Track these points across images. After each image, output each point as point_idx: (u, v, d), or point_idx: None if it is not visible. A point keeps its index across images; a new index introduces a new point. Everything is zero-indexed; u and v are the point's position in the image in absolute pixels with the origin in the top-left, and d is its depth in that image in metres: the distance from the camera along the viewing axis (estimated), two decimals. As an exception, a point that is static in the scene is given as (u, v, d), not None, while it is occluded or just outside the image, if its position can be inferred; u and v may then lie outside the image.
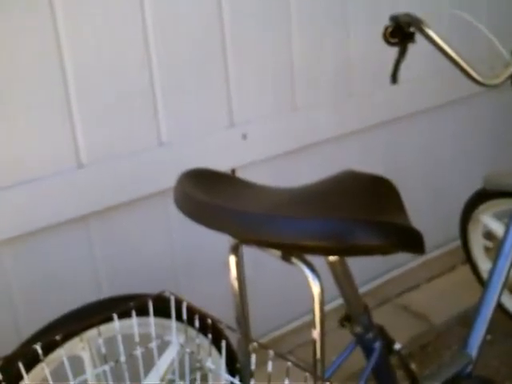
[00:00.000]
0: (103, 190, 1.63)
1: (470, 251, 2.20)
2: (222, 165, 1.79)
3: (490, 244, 2.17)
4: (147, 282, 1.74)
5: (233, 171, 1.86)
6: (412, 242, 1.01)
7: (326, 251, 0.99)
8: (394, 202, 1.09)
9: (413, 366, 2.07)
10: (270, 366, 1.09)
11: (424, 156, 2.48)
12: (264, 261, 1.94)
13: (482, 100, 2.57)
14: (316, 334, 1.02)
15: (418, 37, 1.43)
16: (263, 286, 2.09)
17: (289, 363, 1.06)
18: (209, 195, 1.05)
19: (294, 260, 1.02)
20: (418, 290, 2.46)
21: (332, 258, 1.14)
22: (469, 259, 2.22)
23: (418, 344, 2.19)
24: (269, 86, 1.93)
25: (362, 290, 2.39)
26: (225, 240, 1.10)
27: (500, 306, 2.12)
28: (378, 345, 1.30)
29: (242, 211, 0.98)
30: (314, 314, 1.02)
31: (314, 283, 1.00)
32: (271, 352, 1.09)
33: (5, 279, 1.57)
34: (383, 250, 0.98)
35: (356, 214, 1.00)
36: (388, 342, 1.40)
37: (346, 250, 0.98)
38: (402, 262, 2.54)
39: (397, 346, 1.41)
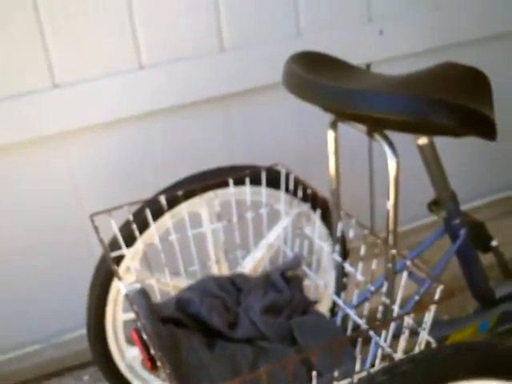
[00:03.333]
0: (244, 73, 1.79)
1: None
2: (357, 59, 1.85)
3: None
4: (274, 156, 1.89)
5: (368, 66, 1.92)
6: (484, 128, 1.05)
7: (403, 126, 1.07)
8: (483, 93, 1.13)
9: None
10: (351, 232, 1.22)
11: None
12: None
13: None
14: (390, 205, 1.11)
15: None
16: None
17: (365, 231, 1.18)
18: (306, 72, 1.16)
19: (376, 136, 1.10)
20: None
21: (421, 141, 1.20)
22: None
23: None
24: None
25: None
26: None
27: None
28: (462, 232, 1.36)
29: (334, 86, 1.08)
30: (389, 187, 1.11)
31: (391, 158, 1.08)
32: (354, 219, 1.21)
33: (153, 146, 1.80)
34: (456, 132, 1.04)
35: (440, 95, 1.05)
36: (486, 239, 1.45)
37: (423, 127, 1.05)
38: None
39: (493, 243, 1.46)
